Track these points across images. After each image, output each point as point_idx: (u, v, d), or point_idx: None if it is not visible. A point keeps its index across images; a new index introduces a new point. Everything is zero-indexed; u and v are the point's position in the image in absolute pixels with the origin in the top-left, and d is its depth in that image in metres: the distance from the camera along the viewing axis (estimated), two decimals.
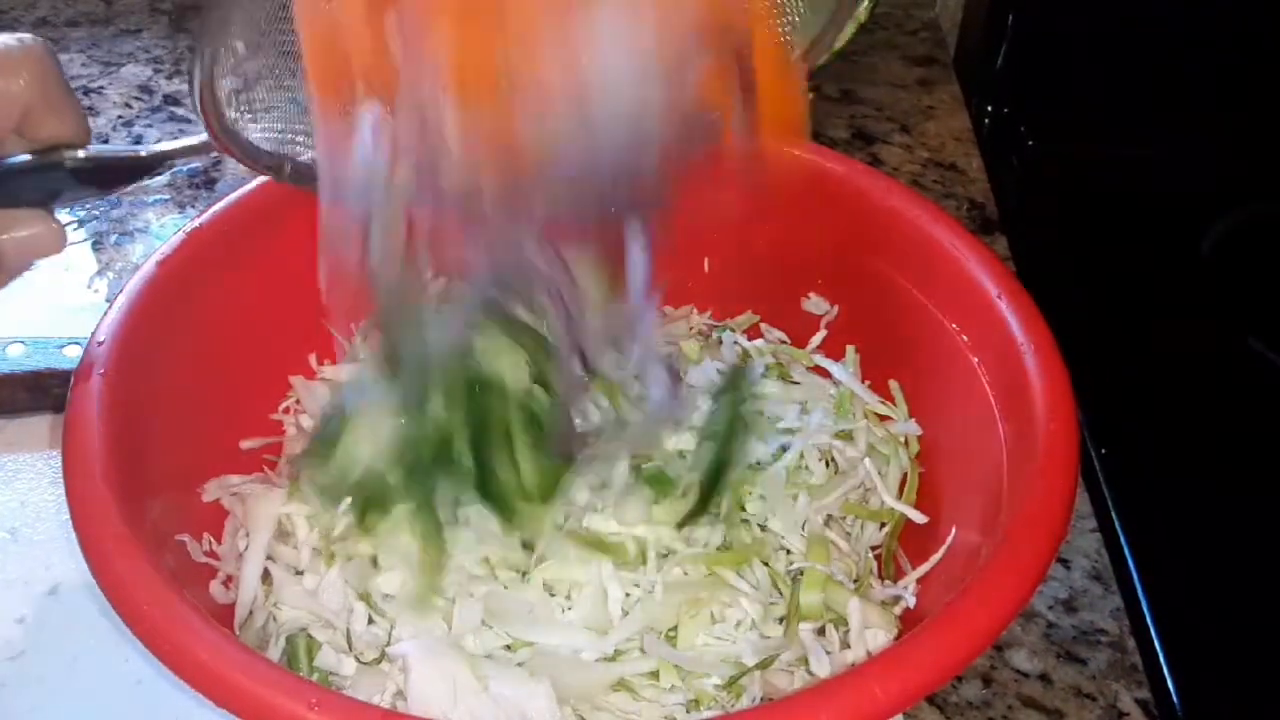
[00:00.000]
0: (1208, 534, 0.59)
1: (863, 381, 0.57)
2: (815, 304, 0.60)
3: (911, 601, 0.49)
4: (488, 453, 0.45)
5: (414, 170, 0.38)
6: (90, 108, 0.88)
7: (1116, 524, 0.58)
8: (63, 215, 0.77)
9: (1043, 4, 0.87)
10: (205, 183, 0.80)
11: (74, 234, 0.76)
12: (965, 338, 0.51)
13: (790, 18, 0.39)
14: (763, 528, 0.51)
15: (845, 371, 0.57)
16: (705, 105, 0.38)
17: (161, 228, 0.76)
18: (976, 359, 0.50)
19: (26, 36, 0.42)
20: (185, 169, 0.79)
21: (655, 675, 0.45)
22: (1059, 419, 0.43)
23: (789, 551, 0.50)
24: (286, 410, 0.57)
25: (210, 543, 0.50)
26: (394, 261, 0.41)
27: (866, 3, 0.81)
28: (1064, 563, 0.57)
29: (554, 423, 0.46)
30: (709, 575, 0.48)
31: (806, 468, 0.53)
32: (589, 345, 0.45)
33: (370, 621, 0.48)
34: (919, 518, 0.52)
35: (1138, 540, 0.57)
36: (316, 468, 0.48)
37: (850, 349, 0.58)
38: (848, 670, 0.40)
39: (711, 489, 0.49)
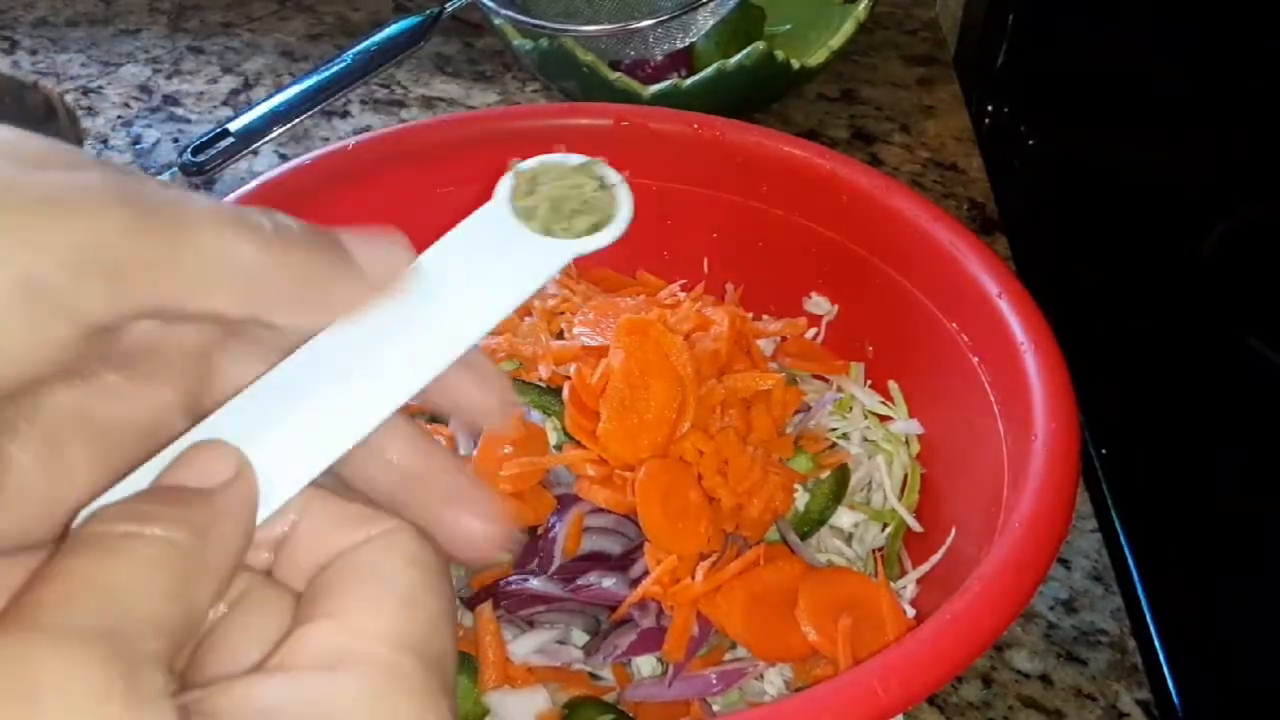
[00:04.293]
0: (1208, 534, 0.59)
1: (864, 381, 0.58)
2: (815, 304, 0.60)
3: (910, 600, 0.49)
4: None
5: None
6: (89, 108, 0.88)
7: (1116, 524, 0.58)
8: None
9: (1043, 4, 0.87)
10: (205, 183, 0.80)
11: None
12: (965, 338, 0.51)
13: None
14: None
15: (849, 380, 0.57)
16: None
17: None
18: (976, 359, 0.50)
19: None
20: (178, 169, 0.79)
21: None
22: (1059, 419, 0.43)
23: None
24: None
25: None
26: None
27: (866, 2, 0.81)
28: (1064, 563, 0.57)
29: None
30: None
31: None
32: None
33: None
34: (916, 526, 0.52)
35: (1138, 540, 0.57)
36: None
37: (856, 366, 0.58)
38: (849, 670, 0.40)
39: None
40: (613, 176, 0.28)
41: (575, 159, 0.29)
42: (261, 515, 0.23)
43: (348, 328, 0.25)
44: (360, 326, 0.25)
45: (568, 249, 0.27)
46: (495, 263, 0.26)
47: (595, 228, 0.27)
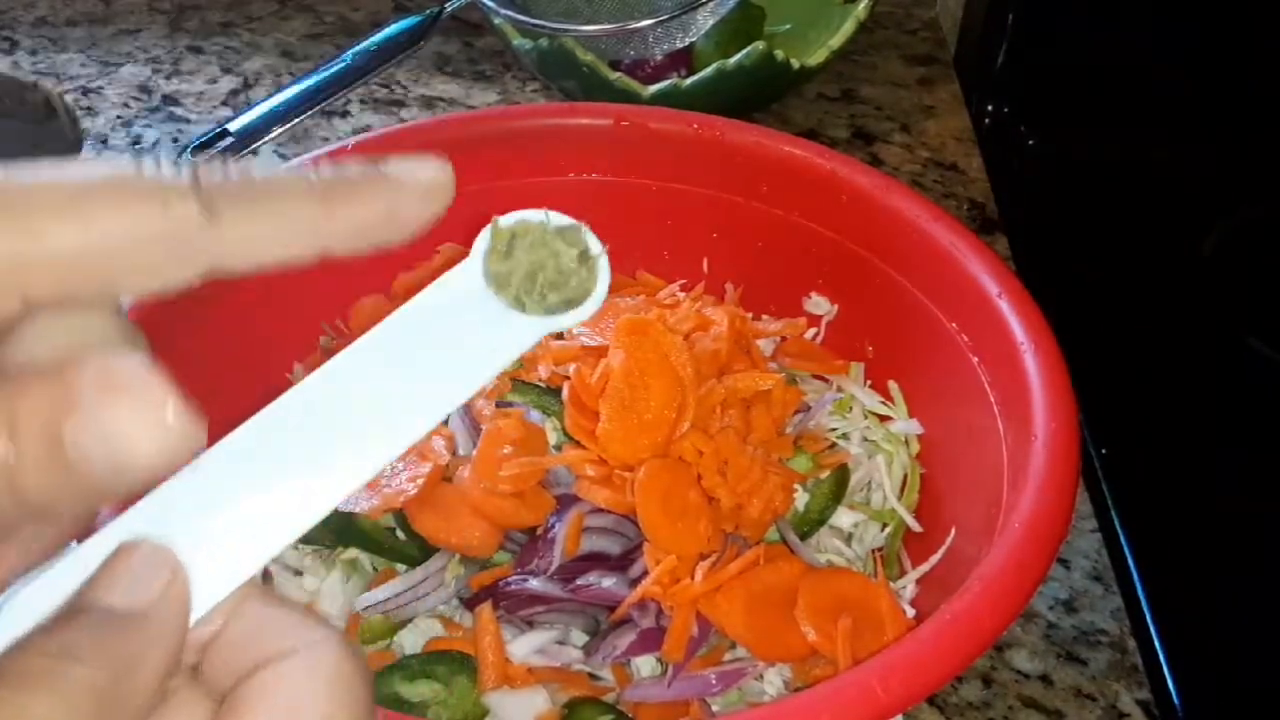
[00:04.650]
0: (1208, 534, 0.59)
1: (864, 381, 0.58)
2: (815, 304, 0.60)
3: (910, 600, 0.49)
4: None
5: None
6: (89, 108, 0.88)
7: (1116, 524, 0.58)
8: None
9: (1043, 4, 0.87)
10: None
11: None
12: (965, 338, 0.51)
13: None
14: None
15: (848, 380, 0.57)
16: None
17: None
18: (976, 359, 0.50)
19: None
20: None
21: None
22: (1059, 419, 0.43)
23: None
24: None
25: None
26: None
27: (866, 1, 0.81)
28: (1064, 563, 0.57)
29: None
30: None
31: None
32: None
33: None
34: (915, 525, 0.52)
35: (1138, 540, 0.57)
36: None
37: (856, 366, 0.58)
38: (848, 670, 0.40)
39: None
40: (595, 247, 0.27)
41: (558, 221, 0.27)
42: (192, 619, 0.21)
43: (295, 402, 0.23)
44: (311, 402, 0.23)
45: (537, 327, 0.25)
46: (461, 337, 0.25)
47: (569, 304, 0.26)
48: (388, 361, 0.24)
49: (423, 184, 0.23)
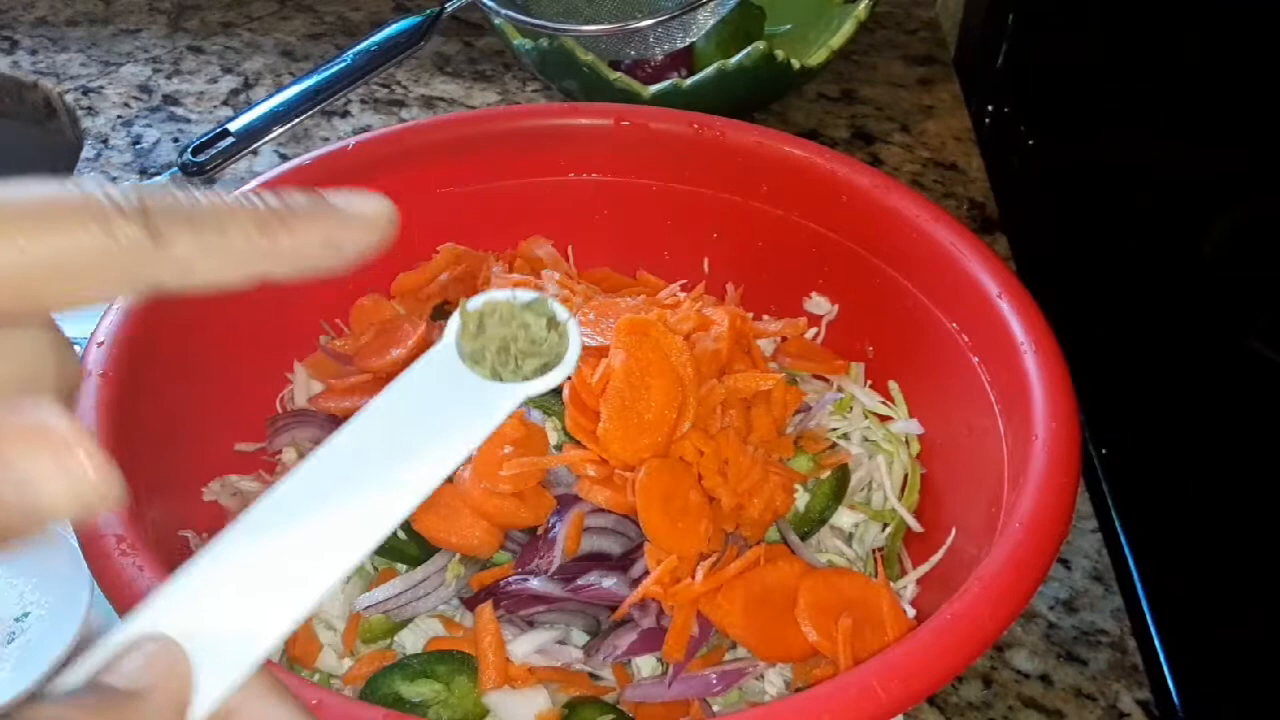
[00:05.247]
0: (1208, 534, 0.59)
1: (864, 381, 0.58)
2: (815, 304, 0.60)
3: (910, 600, 0.49)
4: None
5: None
6: (90, 108, 0.88)
7: (1116, 524, 0.58)
8: None
9: (1043, 4, 0.87)
10: (205, 183, 0.80)
11: None
12: (965, 338, 0.51)
13: None
14: None
15: (849, 380, 0.57)
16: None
17: None
18: (976, 359, 0.50)
19: None
20: (178, 169, 0.79)
21: None
22: (1059, 419, 0.43)
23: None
24: (282, 401, 0.57)
25: None
26: None
27: (866, 2, 0.81)
28: (1064, 563, 0.57)
29: None
30: None
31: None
32: None
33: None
34: (916, 526, 0.52)
35: (1138, 540, 0.57)
36: None
37: (856, 366, 0.58)
38: (849, 670, 0.40)
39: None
40: (561, 313, 0.28)
41: (523, 296, 0.28)
42: (202, 713, 0.22)
43: (290, 493, 0.24)
44: (305, 492, 0.24)
45: (515, 394, 0.27)
46: (445, 413, 0.26)
47: (545, 368, 0.27)
48: (376, 444, 0.25)
49: (363, 215, 0.24)
